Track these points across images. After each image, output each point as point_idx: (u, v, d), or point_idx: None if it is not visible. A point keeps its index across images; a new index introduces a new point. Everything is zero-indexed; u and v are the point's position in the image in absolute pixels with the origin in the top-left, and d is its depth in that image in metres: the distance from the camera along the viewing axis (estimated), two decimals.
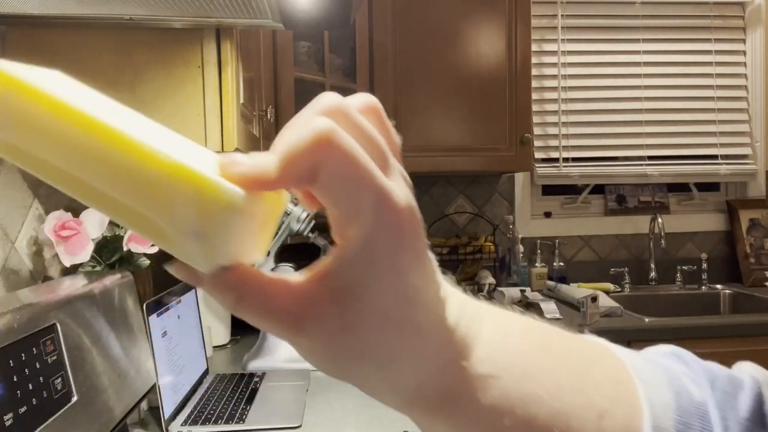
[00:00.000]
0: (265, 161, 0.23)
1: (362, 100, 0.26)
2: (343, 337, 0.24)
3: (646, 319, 1.91)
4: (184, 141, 0.26)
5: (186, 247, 0.24)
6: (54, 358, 0.76)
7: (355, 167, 0.23)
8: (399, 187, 0.24)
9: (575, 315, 2.00)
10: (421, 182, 2.48)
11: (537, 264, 2.42)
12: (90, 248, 1.06)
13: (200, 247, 0.23)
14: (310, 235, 1.55)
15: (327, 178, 0.23)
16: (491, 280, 2.33)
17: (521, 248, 2.42)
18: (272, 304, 0.24)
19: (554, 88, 2.52)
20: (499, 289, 2.26)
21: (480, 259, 2.36)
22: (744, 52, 2.60)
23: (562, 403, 0.27)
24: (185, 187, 0.23)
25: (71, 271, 1.15)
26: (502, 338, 0.28)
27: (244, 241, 0.25)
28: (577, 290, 2.15)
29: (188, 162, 0.23)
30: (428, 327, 0.26)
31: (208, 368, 1.43)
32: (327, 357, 0.25)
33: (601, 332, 1.89)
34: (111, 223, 1.14)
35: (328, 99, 0.25)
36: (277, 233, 1.52)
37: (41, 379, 0.72)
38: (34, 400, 0.70)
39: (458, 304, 0.28)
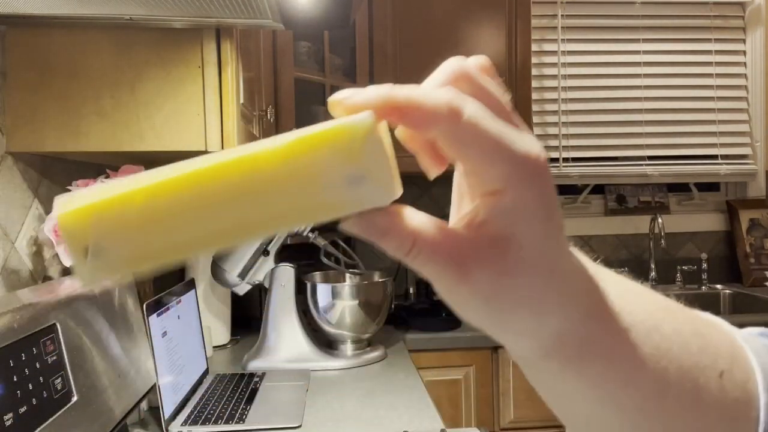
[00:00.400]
0: (387, 89, 0.24)
1: (479, 62, 0.28)
2: (501, 281, 0.25)
3: None
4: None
5: (354, 199, 0.24)
6: (54, 358, 0.76)
7: (492, 123, 0.24)
8: (532, 139, 0.25)
9: None
10: (421, 182, 2.48)
11: None
12: None
13: (369, 187, 0.24)
14: (310, 235, 1.55)
15: (464, 132, 0.24)
16: None
17: None
18: (440, 248, 0.25)
19: (554, 88, 2.52)
20: None
21: None
22: (744, 52, 2.60)
23: (689, 359, 0.28)
24: (319, 151, 0.23)
25: (71, 271, 1.15)
26: (624, 294, 0.29)
27: (393, 173, 0.25)
28: None
29: (299, 134, 0.23)
30: (573, 273, 0.27)
31: (208, 368, 1.43)
32: (482, 302, 0.25)
33: None
34: None
35: (451, 65, 0.26)
36: (276, 233, 1.52)
37: (41, 379, 0.72)
38: (34, 400, 0.70)
39: (582, 255, 0.29)
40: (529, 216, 0.25)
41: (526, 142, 0.25)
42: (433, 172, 0.29)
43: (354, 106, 0.24)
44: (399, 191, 0.25)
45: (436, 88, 0.25)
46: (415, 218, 0.25)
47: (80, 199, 0.23)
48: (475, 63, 0.27)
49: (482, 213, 0.25)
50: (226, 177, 0.23)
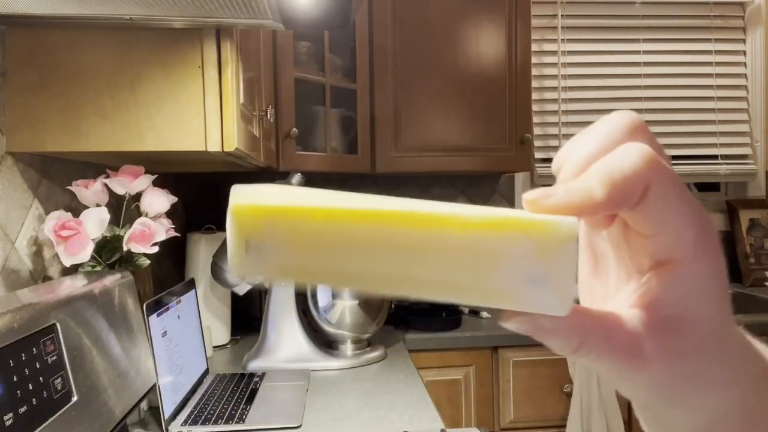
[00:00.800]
0: (584, 186, 0.23)
1: (635, 118, 0.26)
2: (679, 365, 0.24)
3: None
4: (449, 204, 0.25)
5: (528, 297, 0.23)
6: (54, 358, 0.76)
7: (681, 187, 0.23)
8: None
9: None
10: (421, 182, 2.48)
11: None
12: (90, 248, 1.06)
13: (547, 292, 0.23)
14: None
15: (656, 199, 0.22)
16: None
17: None
18: (613, 342, 0.24)
19: (554, 88, 2.52)
20: None
21: None
22: (744, 52, 2.60)
23: None
24: (513, 237, 0.22)
25: (71, 271, 1.15)
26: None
27: (573, 289, 0.24)
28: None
29: (497, 213, 0.22)
30: (740, 343, 0.26)
31: (208, 368, 1.43)
32: (658, 387, 0.24)
33: None
34: (111, 223, 1.14)
35: (625, 119, 0.24)
36: None
37: (41, 379, 0.72)
38: (34, 400, 0.70)
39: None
40: (710, 292, 0.23)
41: (700, 205, 0.24)
42: (597, 228, 0.27)
43: (550, 208, 0.23)
44: (571, 309, 0.23)
45: (617, 146, 0.24)
46: (587, 311, 0.24)
47: (258, 196, 0.23)
48: (634, 120, 0.25)
49: (656, 289, 0.24)
50: (411, 227, 0.22)
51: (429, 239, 0.22)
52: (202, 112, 1.08)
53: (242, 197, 0.23)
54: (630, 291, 0.25)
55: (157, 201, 1.21)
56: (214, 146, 1.09)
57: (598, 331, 0.24)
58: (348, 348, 1.59)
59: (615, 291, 0.27)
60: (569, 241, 0.22)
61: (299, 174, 1.57)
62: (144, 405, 1.19)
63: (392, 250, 0.22)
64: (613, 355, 0.24)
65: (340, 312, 1.54)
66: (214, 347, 1.70)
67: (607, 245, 0.28)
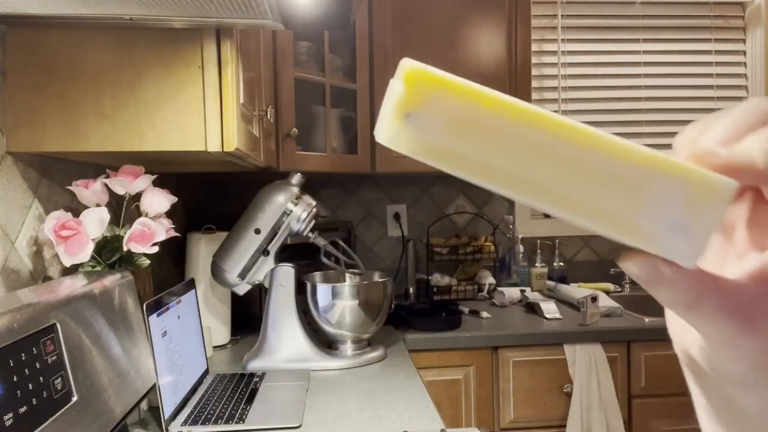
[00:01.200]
0: (747, 152, 0.23)
1: None
2: None
3: (646, 319, 1.91)
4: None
5: (661, 241, 0.23)
6: (54, 358, 0.76)
7: None
8: None
9: (575, 315, 2.00)
10: (421, 182, 2.48)
11: (537, 264, 2.42)
12: (90, 248, 1.06)
13: (683, 240, 0.23)
14: (310, 235, 1.55)
15: None
16: (491, 280, 2.33)
17: (521, 248, 2.42)
18: (728, 303, 0.24)
19: (554, 88, 2.52)
20: (499, 289, 2.26)
21: (480, 259, 2.36)
22: (744, 52, 2.60)
23: None
24: (671, 180, 0.22)
25: (71, 271, 1.15)
26: None
27: (707, 246, 0.24)
28: (577, 290, 2.15)
29: (660, 153, 0.22)
30: None
31: (208, 368, 1.43)
32: (760, 358, 0.25)
33: (601, 332, 1.90)
34: (111, 223, 1.14)
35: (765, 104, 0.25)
36: (276, 233, 1.52)
37: (41, 379, 0.72)
38: (34, 400, 0.70)
39: None
40: None
41: None
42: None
43: (716, 164, 0.23)
44: (696, 264, 0.24)
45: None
46: (706, 271, 0.25)
47: (435, 70, 0.23)
48: None
49: None
50: (578, 141, 0.22)
51: (589, 158, 0.22)
52: (202, 112, 1.08)
53: (419, 65, 0.23)
54: (748, 263, 0.25)
55: (157, 201, 1.21)
56: (214, 146, 1.09)
57: (716, 290, 0.24)
58: (348, 348, 1.59)
59: (734, 260, 0.27)
60: (724, 200, 0.22)
61: (299, 174, 1.57)
62: (144, 405, 1.19)
63: (551, 159, 0.22)
64: (727, 315, 0.24)
65: (340, 312, 1.54)
66: (214, 347, 1.70)
67: (737, 217, 0.28)
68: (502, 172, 0.23)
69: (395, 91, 0.23)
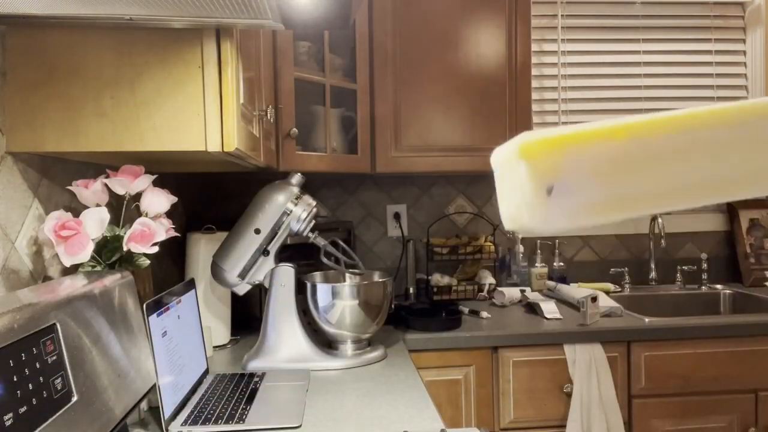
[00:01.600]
0: None
1: None
2: None
3: (646, 319, 1.91)
4: None
5: None
6: (54, 358, 0.76)
7: None
8: None
9: (575, 315, 2.00)
10: (421, 182, 2.48)
11: (537, 264, 2.42)
12: (90, 248, 1.06)
13: None
14: (310, 234, 1.55)
15: None
16: (491, 280, 2.33)
17: (521, 248, 2.42)
18: None
19: (554, 88, 2.52)
20: (499, 289, 2.26)
21: (480, 259, 2.36)
22: (744, 52, 2.60)
23: None
24: None
25: (71, 271, 1.15)
26: None
27: None
28: (577, 290, 2.15)
29: None
30: None
31: (208, 368, 1.43)
32: None
33: (601, 332, 1.90)
34: (111, 223, 1.14)
35: None
36: (276, 233, 1.52)
37: (41, 379, 0.72)
38: (34, 400, 0.70)
39: None
40: None
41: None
42: None
43: None
44: None
45: None
46: None
47: (543, 132, 0.21)
48: None
49: None
50: (719, 123, 0.21)
51: (736, 132, 0.21)
52: (202, 112, 1.08)
53: (527, 137, 0.21)
54: None
55: (157, 201, 1.21)
56: (214, 146, 1.09)
57: None
58: (348, 348, 1.59)
59: None
60: None
61: (299, 174, 1.57)
62: (144, 405, 1.19)
63: (703, 151, 0.21)
64: None
65: (340, 312, 1.54)
66: (214, 347, 1.70)
67: None
68: (668, 188, 0.21)
69: (522, 173, 0.20)
